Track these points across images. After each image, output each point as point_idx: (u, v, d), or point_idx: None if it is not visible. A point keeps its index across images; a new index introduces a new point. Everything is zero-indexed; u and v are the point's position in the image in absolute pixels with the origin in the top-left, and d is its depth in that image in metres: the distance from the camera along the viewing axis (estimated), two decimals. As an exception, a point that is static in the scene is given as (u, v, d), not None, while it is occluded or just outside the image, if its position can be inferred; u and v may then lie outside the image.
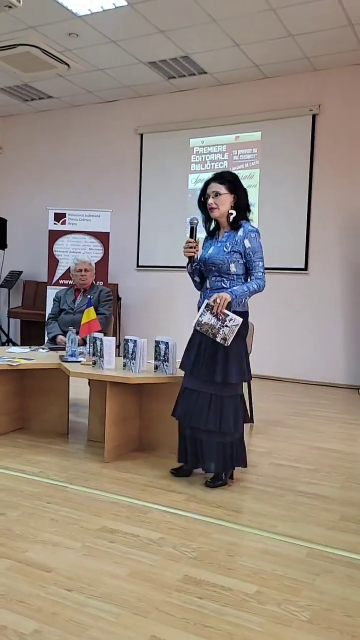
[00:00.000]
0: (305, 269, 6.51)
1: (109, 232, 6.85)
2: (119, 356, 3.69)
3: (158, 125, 7.32)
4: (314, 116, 6.44)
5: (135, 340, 3.40)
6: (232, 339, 2.86)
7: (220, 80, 6.74)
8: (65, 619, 1.79)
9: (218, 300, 2.84)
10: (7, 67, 6.47)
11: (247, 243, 2.94)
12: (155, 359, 3.44)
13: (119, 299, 7.36)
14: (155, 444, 3.65)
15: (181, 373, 3.40)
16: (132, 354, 3.40)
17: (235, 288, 2.92)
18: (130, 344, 3.41)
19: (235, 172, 3.18)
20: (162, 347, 3.39)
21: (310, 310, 6.49)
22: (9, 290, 8.00)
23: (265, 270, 3.00)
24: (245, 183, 3.14)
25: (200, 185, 3.15)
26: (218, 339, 2.87)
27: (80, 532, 2.41)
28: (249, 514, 2.69)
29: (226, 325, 2.85)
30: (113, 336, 4.13)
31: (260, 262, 2.97)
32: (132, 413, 3.62)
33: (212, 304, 2.86)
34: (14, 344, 7.52)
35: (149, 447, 3.65)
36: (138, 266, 7.55)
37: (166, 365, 3.37)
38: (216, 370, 2.90)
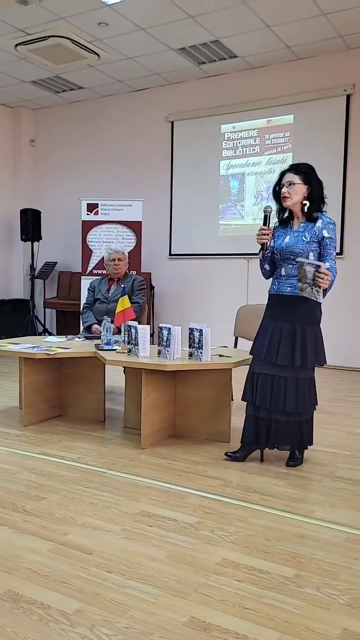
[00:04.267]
0: (341, 253, 6.39)
1: (141, 222, 6.87)
2: (153, 344, 3.72)
3: (189, 112, 7.28)
4: (348, 96, 6.29)
5: (170, 328, 3.41)
6: (307, 294, 2.90)
7: (251, 63, 6.65)
8: (107, 600, 1.83)
9: (324, 276, 2.83)
10: (39, 60, 6.53)
11: (326, 233, 3.02)
12: (190, 346, 3.45)
13: (152, 287, 7.39)
14: (191, 430, 3.67)
15: (217, 360, 3.44)
16: (166, 342, 3.42)
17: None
18: (165, 332, 3.43)
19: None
20: (196, 334, 3.40)
21: (347, 295, 6.38)
22: (44, 281, 8.13)
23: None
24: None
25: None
26: (304, 292, 2.90)
27: (119, 516, 2.46)
28: (286, 499, 2.69)
29: (313, 287, 2.86)
30: (147, 324, 4.16)
31: (334, 252, 3.05)
32: (168, 400, 3.65)
33: (321, 275, 2.81)
34: (50, 334, 7.66)
35: (185, 434, 3.68)
36: (170, 255, 7.56)
37: (200, 352, 3.38)
38: (295, 355, 2.99)
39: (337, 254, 6.79)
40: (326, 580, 1.96)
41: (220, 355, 3.59)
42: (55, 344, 4.02)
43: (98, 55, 6.43)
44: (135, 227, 6.88)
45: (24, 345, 3.95)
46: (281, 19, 5.52)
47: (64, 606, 1.79)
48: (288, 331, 3.01)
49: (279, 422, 3.09)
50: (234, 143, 7.05)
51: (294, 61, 6.52)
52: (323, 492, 2.78)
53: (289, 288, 3.05)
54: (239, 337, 4.53)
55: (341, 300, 6.41)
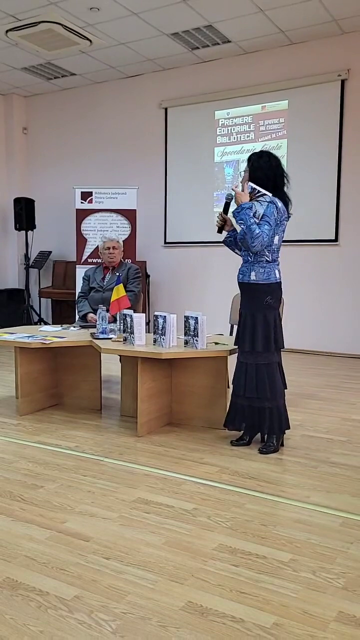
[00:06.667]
0: (336, 240, 6.39)
1: (135, 210, 6.83)
2: (149, 333, 3.72)
3: (182, 98, 7.21)
4: (342, 81, 6.24)
5: (165, 316, 3.41)
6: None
7: (245, 48, 6.58)
8: (105, 586, 1.85)
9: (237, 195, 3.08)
10: (30, 46, 6.45)
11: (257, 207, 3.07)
12: (185, 334, 3.45)
13: (148, 276, 7.37)
14: (187, 417, 3.68)
15: (212, 347, 3.48)
16: (162, 330, 3.42)
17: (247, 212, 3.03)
18: (160, 320, 3.43)
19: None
20: (192, 322, 3.40)
21: (342, 281, 6.39)
22: (39, 271, 8.10)
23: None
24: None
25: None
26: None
27: (116, 503, 2.47)
28: (282, 484, 2.71)
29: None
30: (142, 313, 4.15)
31: (266, 225, 3.01)
32: (164, 388, 3.65)
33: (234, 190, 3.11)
34: (46, 323, 7.65)
35: (181, 421, 3.69)
36: (165, 243, 7.53)
37: (196, 340, 3.38)
38: (245, 339, 3.11)
39: (332, 240, 6.81)
40: (322, 564, 1.99)
41: (216, 343, 3.59)
42: (50, 333, 4.01)
43: (90, 41, 6.35)
44: (129, 215, 6.84)
45: (19, 334, 3.94)
46: (275, 3, 5.46)
47: (62, 593, 1.81)
48: (243, 316, 3.15)
49: (252, 407, 3.15)
50: (228, 129, 7.00)
51: (288, 46, 6.46)
52: (319, 478, 2.80)
53: (240, 275, 3.19)
54: (234, 325, 4.53)
55: (337, 287, 6.42)
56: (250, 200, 3.07)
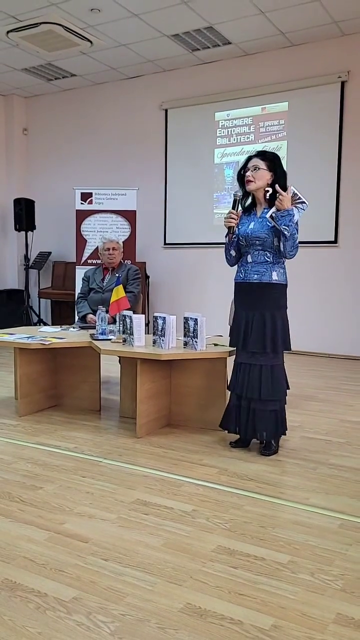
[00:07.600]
0: (335, 242, 6.40)
1: (135, 211, 6.84)
2: (148, 334, 3.72)
3: (183, 99, 7.22)
4: (342, 83, 6.25)
5: (165, 317, 3.41)
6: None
7: (246, 50, 6.59)
8: (103, 587, 1.85)
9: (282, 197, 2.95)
10: (31, 47, 6.46)
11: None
12: (185, 335, 3.45)
13: (147, 277, 7.37)
14: (186, 419, 3.68)
15: (212, 349, 3.46)
16: (161, 331, 3.42)
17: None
18: (160, 321, 3.43)
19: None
20: (191, 323, 3.40)
21: (341, 283, 6.40)
22: (38, 272, 8.11)
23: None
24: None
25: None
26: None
27: (115, 505, 2.47)
28: (281, 486, 2.71)
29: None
30: (142, 314, 4.15)
31: (296, 234, 3.04)
32: (163, 389, 3.65)
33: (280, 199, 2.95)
34: (45, 324, 7.65)
35: (180, 422, 3.69)
36: (165, 244, 7.53)
37: (195, 342, 3.38)
38: (266, 342, 3.04)
39: (331, 242, 6.82)
40: (320, 566, 1.99)
41: (215, 345, 3.60)
42: (50, 334, 4.01)
43: (90, 42, 6.36)
44: (129, 216, 6.85)
45: (19, 335, 3.94)
46: (275, 5, 5.47)
47: (60, 594, 1.81)
48: (258, 318, 3.06)
49: (256, 410, 3.10)
50: (228, 131, 7.00)
51: (289, 48, 6.47)
52: (318, 479, 2.80)
53: (255, 275, 3.09)
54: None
55: (337, 289, 6.42)
56: (269, 204, 3.05)
